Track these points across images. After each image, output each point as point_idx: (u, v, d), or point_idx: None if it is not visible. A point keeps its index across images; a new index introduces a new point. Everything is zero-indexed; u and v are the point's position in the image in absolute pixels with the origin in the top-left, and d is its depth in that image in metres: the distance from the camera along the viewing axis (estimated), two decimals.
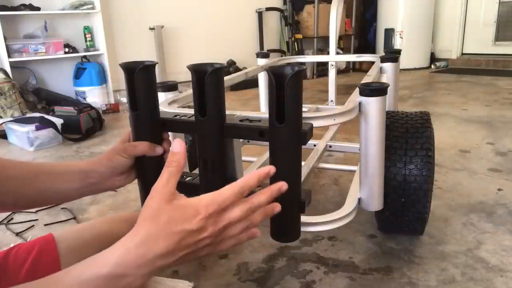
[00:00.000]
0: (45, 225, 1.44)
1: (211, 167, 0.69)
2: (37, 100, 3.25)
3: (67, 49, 3.40)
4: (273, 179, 0.69)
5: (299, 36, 5.02)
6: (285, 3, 5.15)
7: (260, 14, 4.92)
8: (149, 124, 0.72)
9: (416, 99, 3.45)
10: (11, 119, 2.61)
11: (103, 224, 0.82)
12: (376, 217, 1.23)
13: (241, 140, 0.78)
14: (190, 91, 1.02)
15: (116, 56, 3.79)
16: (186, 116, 0.74)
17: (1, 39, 3.03)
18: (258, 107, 2.01)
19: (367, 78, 1.22)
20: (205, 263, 1.17)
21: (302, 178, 0.86)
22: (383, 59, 1.53)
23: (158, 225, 0.46)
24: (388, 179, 1.05)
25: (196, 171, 0.75)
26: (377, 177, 0.97)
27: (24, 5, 3.20)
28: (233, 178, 0.74)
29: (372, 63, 1.63)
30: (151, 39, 4.05)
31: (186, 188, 0.74)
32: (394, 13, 5.22)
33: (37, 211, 1.53)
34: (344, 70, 5.33)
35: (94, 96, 3.47)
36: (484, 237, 1.25)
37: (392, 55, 1.55)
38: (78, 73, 3.51)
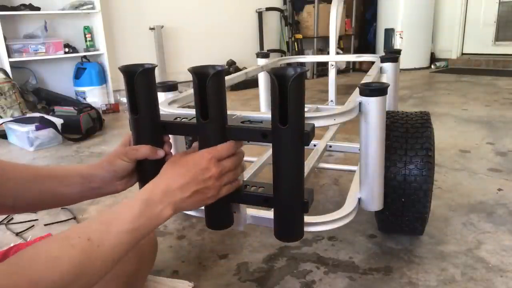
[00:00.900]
0: (45, 225, 1.44)
1: None
2: (37, 100, 3.24)
3: (67, 49, 3.39)
4: (277, 179, 0.69)
5: (299, 36, 5.01)
6: (285, 3, 5.14)
7: (260, 14, 4.92)
8: (150, 127, 0.72)
9: (416, 99, 3.45)
10: (11, 119, 2.61)
11: None
12: (376, 217, 1.23)
13: None
14: (190, 91, 1.02)
15: (116, 56, 3.79)
16: (187, 118, 0.74)
17: (1, 39, 3.03)
18: (258, 107, 2.01)
19: (367, 78, 1.22)
20: (205, 263, 1.17)
21: None
22: (383, 59, 1.53)
23: (175, 169, 0.65)
24: (388, 179, 1.05)
25: None
26: (377, 177, 0.97)
27: (24, 5, 3.20)
28: None
29: (372, 63, 1.63)
30: (151, 39, 4.05)
31: None
32: (394, 13, 5.22)
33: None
34: (344, 70, 5.32)
35: (94, 96, 3.47)
36: (484, 237, 1.25)
37: (392, 55, 1.55)
38: (78, 73, 3.51)
